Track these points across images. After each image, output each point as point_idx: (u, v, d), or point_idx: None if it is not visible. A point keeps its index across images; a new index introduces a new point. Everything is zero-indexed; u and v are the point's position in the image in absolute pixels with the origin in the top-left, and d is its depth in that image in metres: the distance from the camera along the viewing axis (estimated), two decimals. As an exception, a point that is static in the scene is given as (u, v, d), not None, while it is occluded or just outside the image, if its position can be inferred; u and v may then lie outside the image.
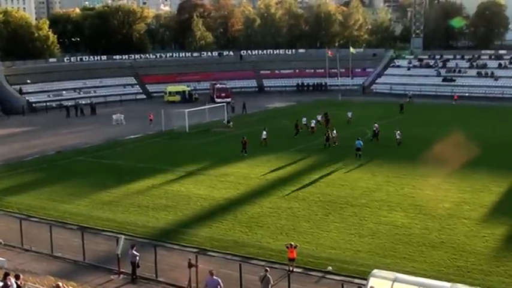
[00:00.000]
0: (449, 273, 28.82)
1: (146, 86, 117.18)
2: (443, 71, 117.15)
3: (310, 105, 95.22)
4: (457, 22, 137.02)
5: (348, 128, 71.05)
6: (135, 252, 29.07)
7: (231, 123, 76.67)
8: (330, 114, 75.78)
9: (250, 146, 58.65)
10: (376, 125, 65.46)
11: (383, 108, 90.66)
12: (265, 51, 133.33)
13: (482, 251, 32.18)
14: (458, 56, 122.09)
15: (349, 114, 78.32)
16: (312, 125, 70.28)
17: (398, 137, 61.52)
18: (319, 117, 75.23)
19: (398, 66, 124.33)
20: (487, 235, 34.47)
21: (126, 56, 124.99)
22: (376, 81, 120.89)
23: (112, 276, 29.82)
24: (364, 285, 24.68)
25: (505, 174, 48.34)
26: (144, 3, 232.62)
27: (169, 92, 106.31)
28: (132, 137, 70.57)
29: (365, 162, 53.80)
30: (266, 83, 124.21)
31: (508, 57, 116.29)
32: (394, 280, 23.93)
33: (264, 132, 62.90)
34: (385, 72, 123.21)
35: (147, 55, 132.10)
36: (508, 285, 27.25)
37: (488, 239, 33.84)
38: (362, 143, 56.00)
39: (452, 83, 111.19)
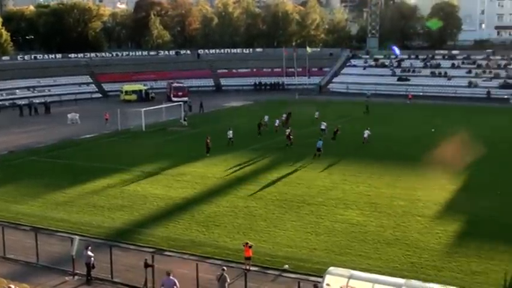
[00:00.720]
0: (404, 270, 29.25)
1: (102, 84, 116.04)
2: (398, 71, 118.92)
3: (267, 105, 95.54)
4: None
5: (311, 127, 71.33)
6: (89, 253, 28.73)
7: (186, 122, 76.46)
8: (290, 114, 76.07)
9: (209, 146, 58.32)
10: (324, 123, 67.23)
11: (341, 107, 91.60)
12: (222, 50, 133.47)
13: (435, 247, 32.74)
14: (412, 56, 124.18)
15: (316, 113, 78.98)
16: (276, 124, 70.27)
17: (365, 135, 62.26)
18: (285, 116, 75.50)
19: (355, 66, 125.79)
20: (440, 232, 35.08)
21: (82, 55, 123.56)
22: (333, 80, 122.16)
23: (66, 278, 29.41)
24: (320, 282, 24.87)
25: (458, 172, 49.21)
26: (100, 1, 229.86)
27: (126, 91, 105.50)
28: (88, 136, 69.69)
29: (322, 161, 54.12)
30: (223, 82, 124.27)
31: (461, 57, 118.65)
32: (350, 277, 24.20)
33: (230, 132, 62.53)
34: (342, 72, 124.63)
35: (103, 53, 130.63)
36: (460, 281, 27.77)
37: (441, 236, 34.43)
38: (322, 143, 56.29)
39: (407, 83, 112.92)
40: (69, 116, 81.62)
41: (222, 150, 58.62)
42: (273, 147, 61.48)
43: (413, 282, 24.28)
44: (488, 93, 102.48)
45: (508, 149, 58.68)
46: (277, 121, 70.98)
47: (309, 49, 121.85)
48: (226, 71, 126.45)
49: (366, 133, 62.40)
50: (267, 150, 59.65)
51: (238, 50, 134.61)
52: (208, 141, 57.62)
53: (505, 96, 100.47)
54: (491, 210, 38.94)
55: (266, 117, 73.05)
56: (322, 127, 66.77)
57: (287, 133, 62.23)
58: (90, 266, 28.79)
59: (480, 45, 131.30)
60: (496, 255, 31.17)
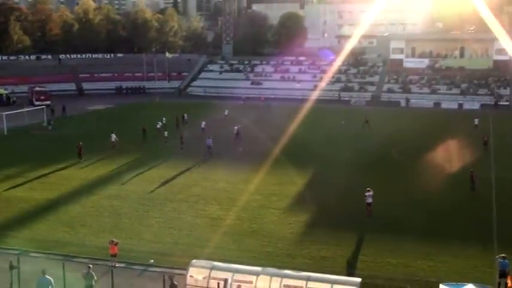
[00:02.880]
0: (261, 259, 29.77)
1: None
2: (251, 75, 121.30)
3: (131, 108, 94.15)
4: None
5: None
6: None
7: (51, 125, 73.61)
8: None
9: (72, 149, 56.27)
10: (204, 124, 69.34)
11: (205, 109, 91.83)
12: (84, 55, 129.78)
13: (288, 236, 33.74)
14: (264, 62, 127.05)
15: (226, 111, 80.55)
16: (158, 126, 68.81)
17: (235, 132, 65.37)
18: (185, 117, 76.88)
19: (211, 71, 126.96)
20: (293, 222, 36.19)
21: None
22: (191, 84, 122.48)
23: None
24: (184, 275, 24.88)
25: (306, 167, 51.06)
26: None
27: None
28: None
29: (181, 159, 54.15)
30: (86, 86, 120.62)
31: (307, 63, 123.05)
32: (212, 268, 24.49)
33: (113, 135, 59.99)
34: (200, 76, 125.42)
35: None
36: (310, 266, 28.62)
37: (294, 226, 35.54)
38: (212, 142, 57.13)
39: (260, 86, 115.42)
40: None
41: (89, 153, 56.53)
42: (140, 149, 60.78)
43: (270, 269, 24.92)
44: (339, 95, 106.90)
45: (348, 145, 61.43)
46: (159, 124, 69.38)
47: (168, 54, 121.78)
48: (88, 75, 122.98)
49: (235, 129, 65.69)
50: (131, 152, 58.73)
51: (100, 55, 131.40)
52: (81, 147, 54.94)
53: (346, 98, 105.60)
54: (335, 202, 40.66)
55: (164, 119, 71.57)
56: (202, 126, 68.83)
57: (180, 135, 61.64)
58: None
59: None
60: (341, 242, 32.61)
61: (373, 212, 37.03)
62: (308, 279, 23.47)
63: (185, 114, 78.36)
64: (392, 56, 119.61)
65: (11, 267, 26.14)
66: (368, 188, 37.76)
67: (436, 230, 34.77)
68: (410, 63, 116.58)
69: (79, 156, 54.43)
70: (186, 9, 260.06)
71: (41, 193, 43.13)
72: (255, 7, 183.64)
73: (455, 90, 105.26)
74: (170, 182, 46.43)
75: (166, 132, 64.49)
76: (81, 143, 55.40)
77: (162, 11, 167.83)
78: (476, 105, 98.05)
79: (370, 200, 37.26)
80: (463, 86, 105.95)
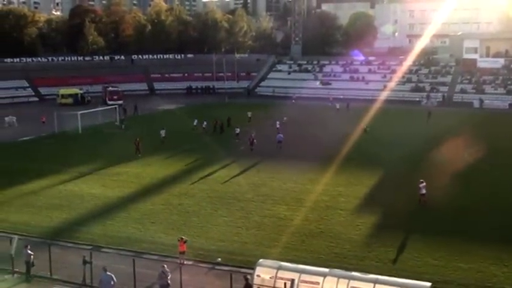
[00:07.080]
0: (328, 260, 29.63)
1: (39, 88, 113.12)
2: (320, 75, 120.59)
3: (200, 107, 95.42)
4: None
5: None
6: (29, 252, 27.95)
7: (124, 124, 75.42)
8: (219, 115, 76.35)
9: (142, 146, 57.54)
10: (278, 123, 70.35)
11: (266, 108, 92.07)
12: (155, 56, 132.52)
13: (356, 238, 33.34)
14: (333, 62, 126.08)
15: (249, 113, 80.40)
16: (204, 125, 70.37)
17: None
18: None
19: (280, 71, 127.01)
20: (360, 224, 35.75)
21: (18, 59, 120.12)
22: (260, 84, 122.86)
23: (6, 276, 28.47)
24: (251, 274, 24.97)
25: (375, 168, 50.32)
26: (36, 7, 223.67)
27: (62, 95, 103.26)
28: (25, 138, 67.70)
29: (249, 159, 54.36)
30: (157, 86, 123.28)
31: (377, 63, 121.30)
32: (279, 268, 24.45)
33: (163, 131, 62.77)
34: (268, 76, 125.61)
35: (39, 58, 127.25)
36: (379, 268, 28.28)
37: (362, 228, 35.10)
38: (282, 136, 59.45)
39: (329, 86, 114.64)
40: (6, 119, 79.08)
41: (156, 150, 58.03)
42: (202, 148, 61.44)
43: (337, 271, 24.69)
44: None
45: (420, 146, 60.21)
46: (205, 123, 70.93)
47: (237, 55, 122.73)
48: (159, 75, 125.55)
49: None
50: (198, 151, 59.47)
51: (171, 56, 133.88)
52: (138, 142, 56.77)
53: (417, 99, 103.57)
54: (403, 203, 39.90)
55: (196, 120, 72.88)
56: (284, 119, 73.33)
57: (252, 137, 60.36)
58: (29, 264, 28.00)
59: (394, 51, 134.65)
60: (409, 244, 32.06)
61: (429, 204, 38.29)
62: (376, 281, 23.12)
63: (248, 112, 79.27)
64: (466, 56, 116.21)
65: (84, 262, 26.94)
66: (421, 180, 39.51)
67: (508, 234, 33.61)
68: (484, 62, 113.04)
69: (136, 151, 56.08)
70: (255, 9, 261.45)
71: (112, 190, 44.26)
72: (325, 7, 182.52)
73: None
74: (238, 181, 46.72)
75: (237, 129, 65.44)
76: (138, 139, 57.24)
77: (232, 12, 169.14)
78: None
79: (423, 191, 39.10)
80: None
